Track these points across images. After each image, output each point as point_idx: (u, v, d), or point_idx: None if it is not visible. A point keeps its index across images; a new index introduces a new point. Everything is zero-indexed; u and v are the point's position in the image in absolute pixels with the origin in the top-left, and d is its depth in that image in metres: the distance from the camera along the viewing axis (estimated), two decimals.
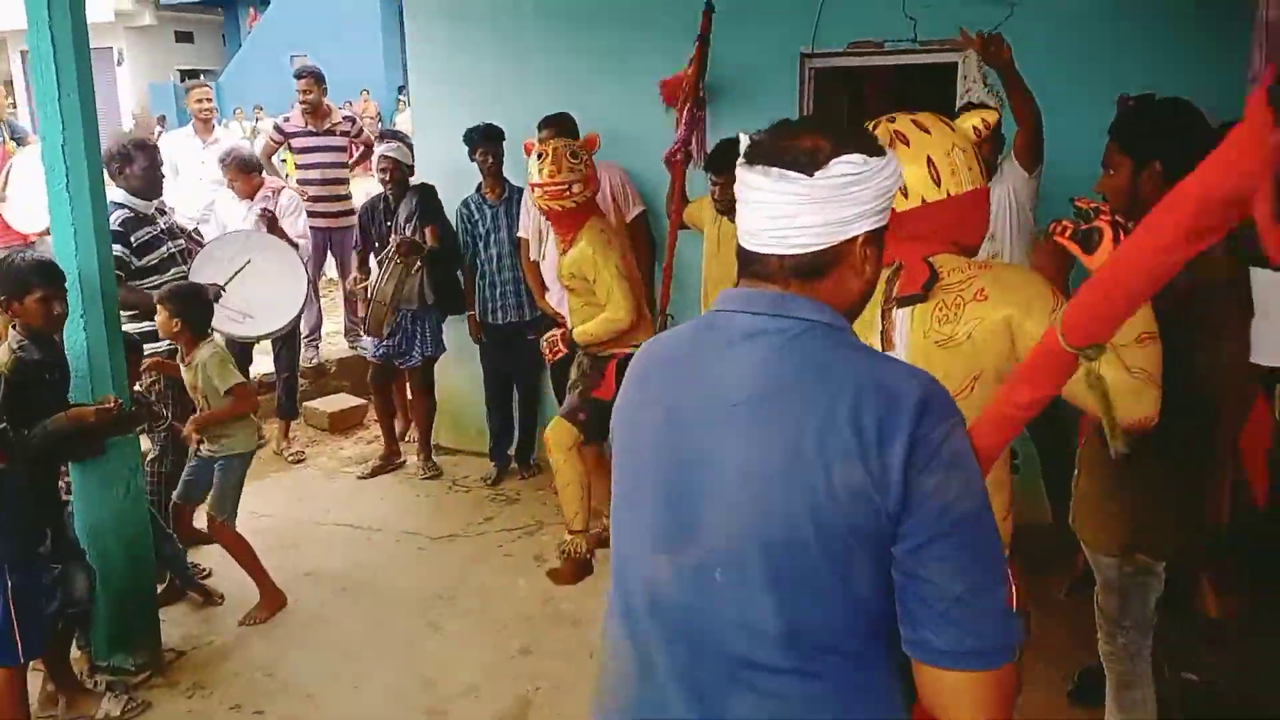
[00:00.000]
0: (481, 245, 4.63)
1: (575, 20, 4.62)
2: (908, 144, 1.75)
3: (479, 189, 4.62)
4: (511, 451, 4.98)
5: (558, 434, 3.78)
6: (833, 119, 1.53)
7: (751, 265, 1.23)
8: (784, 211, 1.17)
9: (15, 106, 21.74)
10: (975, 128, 1.86)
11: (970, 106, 3.43)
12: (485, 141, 4.46)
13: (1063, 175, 3.34)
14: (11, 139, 5.60)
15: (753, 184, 1.19)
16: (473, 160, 4.51)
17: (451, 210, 4.74)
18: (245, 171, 5.00)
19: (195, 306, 3.53)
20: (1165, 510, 2.20)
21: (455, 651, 3.39)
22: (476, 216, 4.62)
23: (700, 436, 1.17)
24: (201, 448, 3.60)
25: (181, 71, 24.42)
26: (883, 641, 1.13)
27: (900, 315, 1.72)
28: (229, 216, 5.02)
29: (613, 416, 1.35)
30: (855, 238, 1.19)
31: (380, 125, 15.29)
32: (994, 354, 1.64)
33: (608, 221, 3.89)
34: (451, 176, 4.79)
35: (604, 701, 1.30)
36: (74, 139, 3.07)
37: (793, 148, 1.17)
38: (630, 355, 2.32)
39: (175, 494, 3.78)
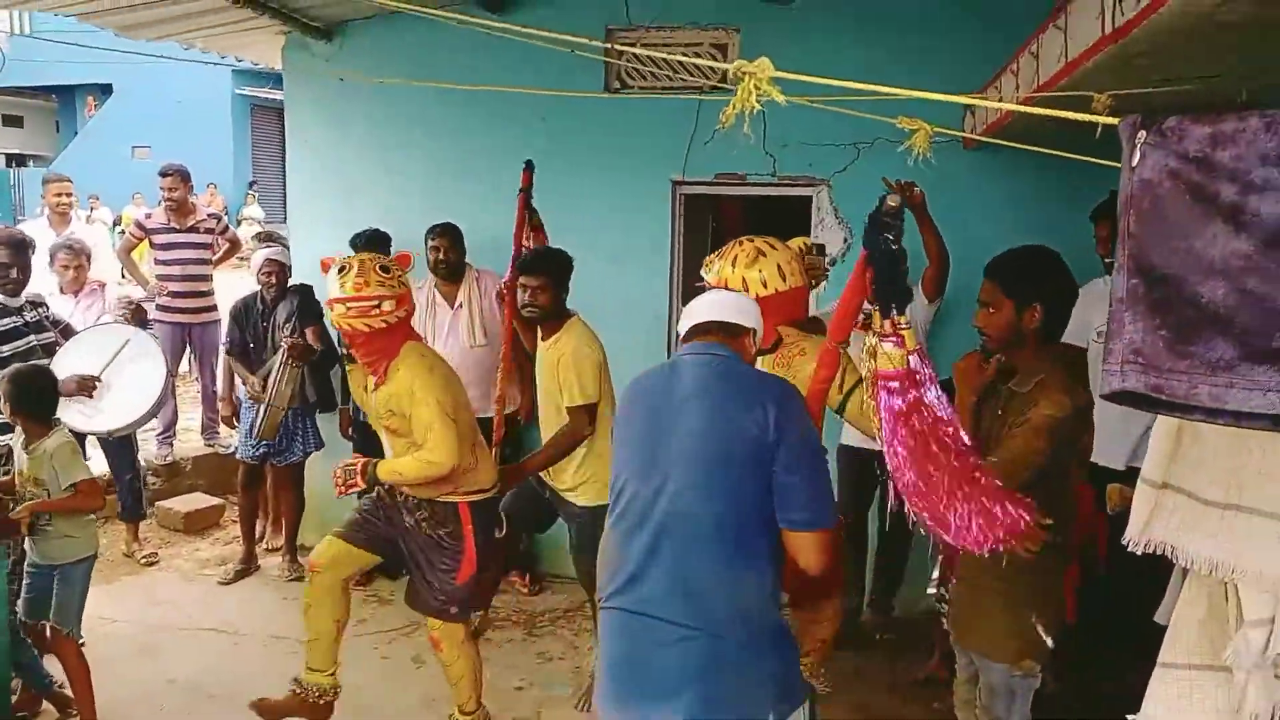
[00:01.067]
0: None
1: (448, 128, 4.87)
2: (766, 255, 2.65)
3: None
4: None
5: (449, 633, 3.27)
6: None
7: (698, 331, 2.24)
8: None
9: None
10: (800, 246, 2.96)
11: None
12: (370, 246, 4.56)
13: None
14: None
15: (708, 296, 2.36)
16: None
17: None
18: (65, 266, 4.86)
19: (33, 391, 3.29)
20: (1047, 616, 2.47)
21: None
22: None
23: (668, 415, 2.12)
24: (36, 554, 3.32)
25: (8, 155, 23.19)
26: (765, 522, 2.02)
27: (759, 361, 2.64)
28: (59, 312, 4.67)
29: (617, 423, 2.28)
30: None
31: (228, 219, 14.95)
32: (802, 383, 2.52)
33: (429, 348, 3.39)
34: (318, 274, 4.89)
35: (603, 581, 2.15)
36: None
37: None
38: (486, 500, 2.98)
39: (20, 610, 3.42)
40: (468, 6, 4.45)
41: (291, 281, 4.91)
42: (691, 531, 2.00)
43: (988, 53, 3.46)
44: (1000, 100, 3.11)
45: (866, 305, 2.24)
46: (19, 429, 3.33)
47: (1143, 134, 1.14)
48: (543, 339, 3.65)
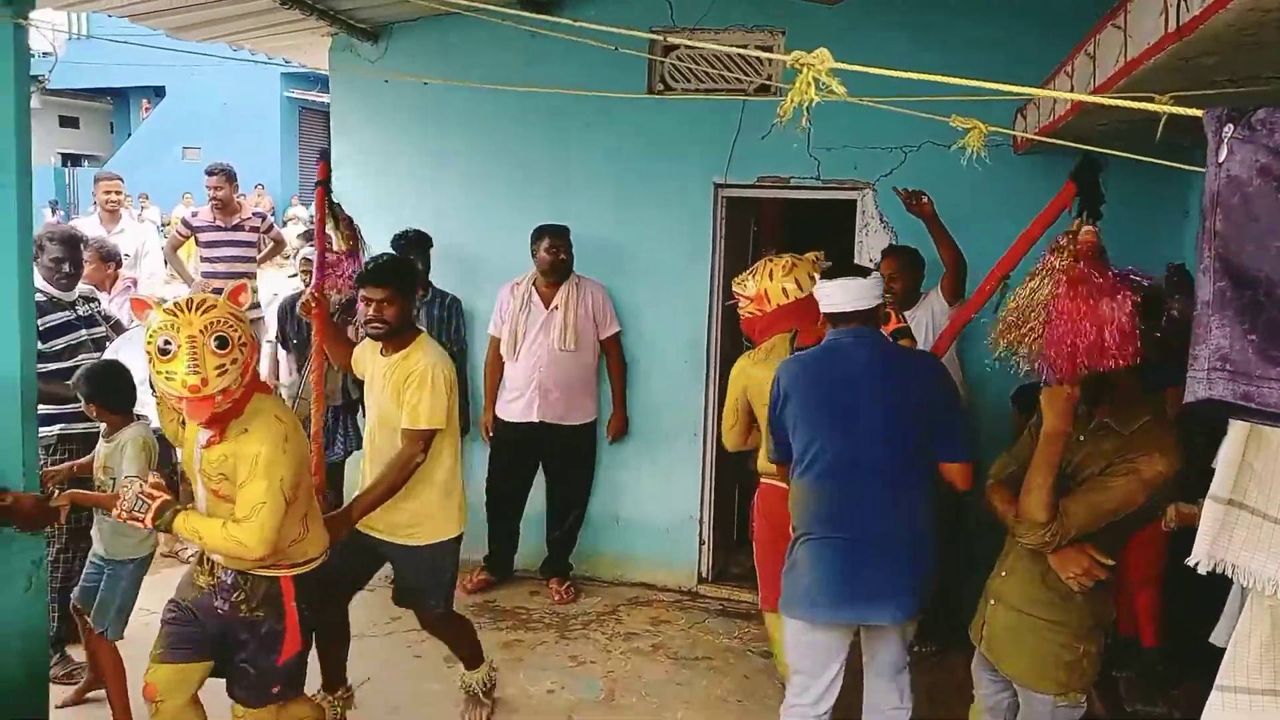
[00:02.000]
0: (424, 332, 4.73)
1: (492, 129, 4.87)
2: (797, 266, 3.26)
3: None
4: None
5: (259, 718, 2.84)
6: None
7: (843, 319, 2.77)
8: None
9: None
10: (814, 258, 3.34)
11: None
12: (412, 247, 4.60)
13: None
14: None
15: (828, 285, 2.81)
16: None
17: None
18: (103, 261, 4.92)
19: (106, 385, 3.36)
20: (1093, 647, 2.40)
21: None
22: None
23: (851, 386, 2.72)
24: (99, 545, 3.39)
25: (64, 155, 23.76)
26: (926, 464, 2.71)
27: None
28: None
29: (788, 399, 2.78)
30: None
31: (274, 219, 15.22)
32: None
33: (282, 403, 2.98)
34: None
35: (803, 520, 2.77)
36: (6, 229, 3.06)
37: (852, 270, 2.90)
38: (311, 571, 2.83)
39: (74, 596, 3.51)
40: (513, 7, 4.46)
41: None
42: (879, 476, 2.65)
43: (1041, 56, 3.39)
44: (1055, 102, 3.03)
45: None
46: (102, 421, 3.39)
47: (1230, 127, 1.07)
48: (384, 352, 3.26)
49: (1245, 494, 1.54)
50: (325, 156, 4.01)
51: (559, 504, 4.79)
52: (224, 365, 2.44)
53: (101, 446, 3.41)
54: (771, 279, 3.26)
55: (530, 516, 4.82)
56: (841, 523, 2.67)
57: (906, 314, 3.84)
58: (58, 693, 3.48)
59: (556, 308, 4.55)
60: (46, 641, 3.28)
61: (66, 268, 3.96)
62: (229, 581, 2.70)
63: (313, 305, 3.59)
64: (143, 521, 2.59)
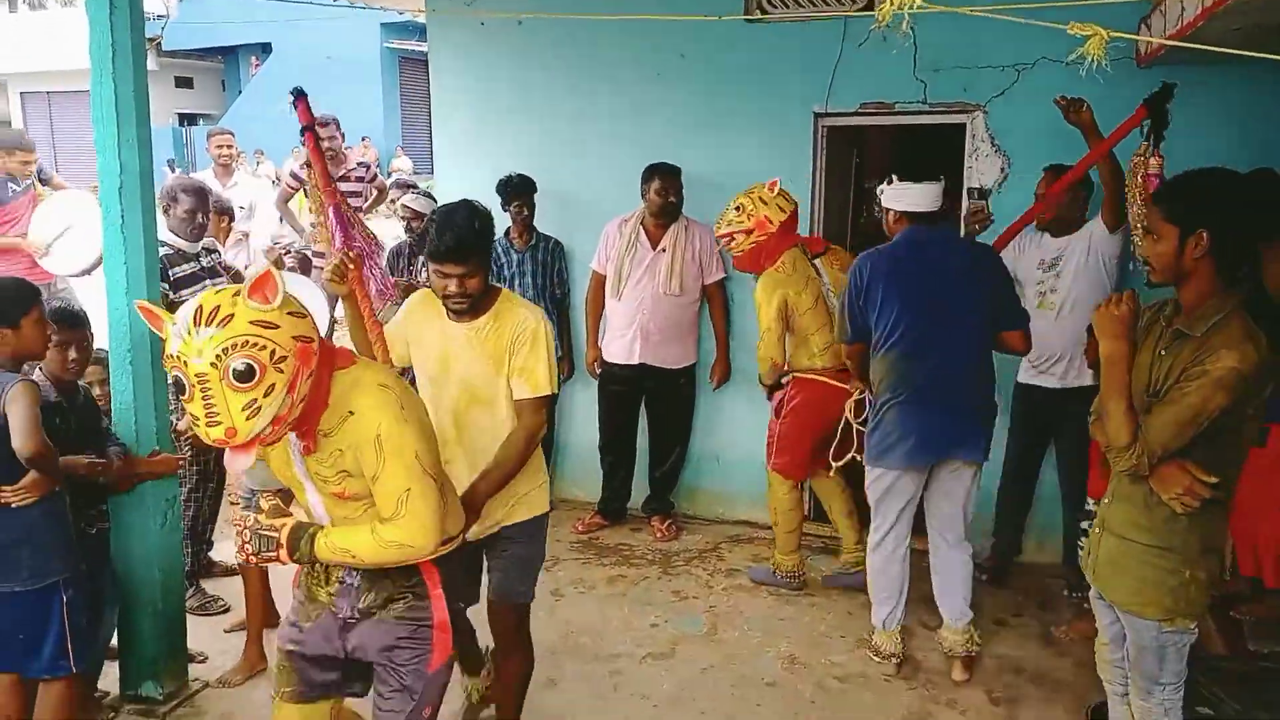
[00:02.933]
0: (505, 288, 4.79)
1: (589, 66, 4.80)
2: (772, 191, 3.90)
3: (506, 233, 4.79)
4: None
5: None
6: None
7: (917, 217, 3.35)
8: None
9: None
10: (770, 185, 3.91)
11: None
12: (518, 193, 4.64)
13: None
14: (38, 180, 5.71)
15: (913, 187, 3.34)
16: (505, 210, 4.67)
17: None
18: (218, 215, 5.00)
19: None
20: (1201, 573, 2.28)
21: None
22: (503, 260, 4.79)
23: (932, 273, 3.31)
24: (245, 485, 3.43)
25: (180, 115, 24.74)
26: (990, 334, 3.36)
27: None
28: None
29: (872, 287, 3.34)
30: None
31: (378, 170, 15.58)
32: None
33: (388, 370, 2.37)
34: None
35: (891, 385, 3.35)
36: (130, 185, 3.20)
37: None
38: (451, 552, 2.37)
39: None
40: None
41: None
42: (959, 347, 3.29)
43: None
44: (1183, 5, 2.81)
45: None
46: None
47: None
48: (457, 319, 2.70)
49: None
50: (300, 95, 3.64)
51: (661, 443, 4.81)
52: (254, 402, 1.87)
53: None
54: (765, 204, 3.85)
55: (635, 455, 4.87)
56: (929, 386, 3.28)
57: (1066, 238, 3.72)
58: (195, 623, 3.71)
59: (664, 250, 4.51)
60: (182, 574, 3.50)
61: (199, 219, 4.12)
62: (355, 584, 2.21)
63: (348, 269, 2.75)
64: (279, 560, 2.12)
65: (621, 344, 4.63)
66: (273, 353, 1.89)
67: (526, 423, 2.67)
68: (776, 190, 3.89)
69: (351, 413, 2.06)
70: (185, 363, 1.87)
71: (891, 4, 1.14)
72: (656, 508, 4.85)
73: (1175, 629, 2.30)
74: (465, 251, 2.56)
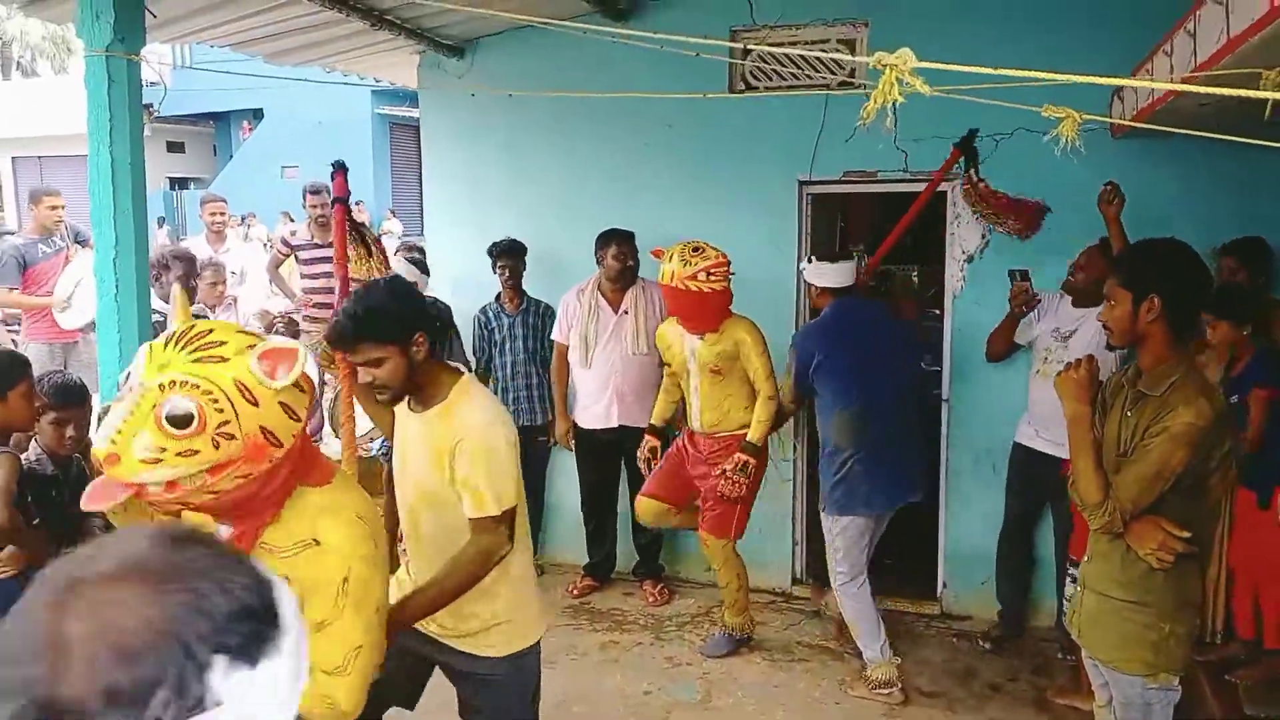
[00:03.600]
0: (496, 352, 4.84)
1: (578, 137, 4.93)
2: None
3: (497, 298, 4.84)
4: None
5: None
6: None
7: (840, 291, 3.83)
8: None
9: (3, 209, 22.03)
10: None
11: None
12: (506, 256, 4.71)
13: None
14: (75, 241, 5.80)
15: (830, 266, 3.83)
16: (494, 272, 4.74)
17: (467, 318, 4.96)
18: (211, 283, 5.10)
19: None
20: (1180, 627, 2.32)
21: None
22: (494, 325, 4.84)
23: (871, 340, 3.79)
24: None
25: (171, 179, 24.95)
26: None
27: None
28: None
29: (824, 358, 3.77)
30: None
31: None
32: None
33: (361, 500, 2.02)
34: (456, 285, 5.15)
35: (848, 443, 3.72)
36: (125, 253, 3.25)
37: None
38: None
39: None
40: (593, 16, 4.51)
41: (426, 293, 5.07)
42: (902, 401, 3.81)
43: (1137, 35, 3.26)
44: (1150, 91, 2.91)
45: None
46: None
47: None
48: (413, 407, 2.34)
49: None
50: (341, 169, 3.67)
51: None
52: (162, 450, 1.54)
53: None
54: (708, 248, 3.79)
55: (619, 517, 4.87)
56: (884, 440, 3.69)
57: (1084, 310, 3.78)
58: None
59: (626, 312, 4.56)
60: None
61: (189, 285, 4.17)
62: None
63: (333, 359, 2.73)
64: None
65: (598, 410, 4.63)
66: (224, 424, 1.56)
67: (477, 542, 2.21)
68: (691, 248, 3.82)
69: (317, 542, 1.74)
70: (140, 364, 1.60)
71: (875, 102, 1.20)
72: (646, 571, 4.83)
73: (1159, 685, 2.33)
74: (351, 339, 2.15)
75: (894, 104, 1.25)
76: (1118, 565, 2.34)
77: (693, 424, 4.05)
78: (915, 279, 6.62)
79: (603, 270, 4.56)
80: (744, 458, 3.85)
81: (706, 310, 3.81)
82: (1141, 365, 2.34)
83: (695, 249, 3.76)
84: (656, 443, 4.26)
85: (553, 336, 4.77)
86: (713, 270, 3.73)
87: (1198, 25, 2.38)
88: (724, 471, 3.86)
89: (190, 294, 4.21)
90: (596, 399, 4.64)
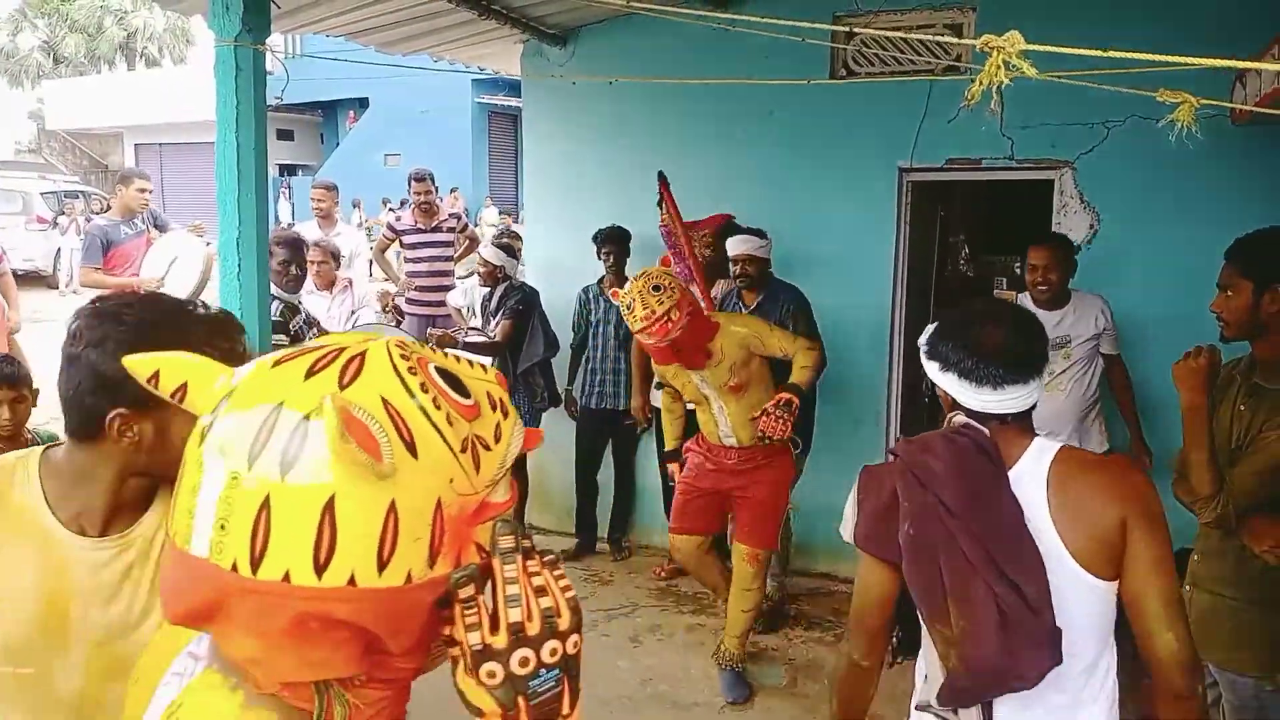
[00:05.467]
0: (590, 333, 4.95)
1: (679, 126, 4.96)
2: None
3: (600, 281, 4.95)
4: (603, 534, 5.16)
5: None
6: None
7: None
8: None
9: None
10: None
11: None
12: (611, 242, 4.80)
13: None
14: (155, 226, 6.09)
15: None
16: (599, 258, 4.85)
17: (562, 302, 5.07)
18: (334, 260, 5.17)
19: None
20: None
21: None
22: (591, 306, 4.96)
23: None
24: None
25: (281, 166, 25.92)
26: None
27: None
28: (313, 309, 4.83)
29: None
30: None
31: (466, 219, 16.05)
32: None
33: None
34: (552, 270, 5.26)
35: None
36: (248, 234, 3.41)
37: None
38: None
39: None
40: (695, 2, 4.53)
41: (525, 278, 5.20)
42: None
43: (1257, 16, 3.12)
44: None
45: None
46: None
47: None
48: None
49: None
50: (663, 180, 4.35)
51: None
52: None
53: None
54: (671, 278, 3.44)
55: None
56: None
57: (1059, 313, 3.66)
58: None
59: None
60: None
61: (294, 270, 4.34)
62: None
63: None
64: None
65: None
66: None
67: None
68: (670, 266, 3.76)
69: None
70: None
71: (980, 84, 1.19)
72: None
73: (1275, 687, 2.25)
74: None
75: (999, 87, 1.24)
76: (1231, 563, 2.28)
77: (724, 441, 3.67)
78: (1018, 270, 6.46)
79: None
80: (788, 395, 3.42)
81: (684, 352, 3.44)
82: (1259, 356, 2.26)
83: (655, 287, 3.32)
84: (677, 468, 3.93)
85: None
86: (670, 316, 3.30)
87: None
88: (765, 411, 3.42)
89: (299, 279, 4.37)
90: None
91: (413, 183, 6.47)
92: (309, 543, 0.71)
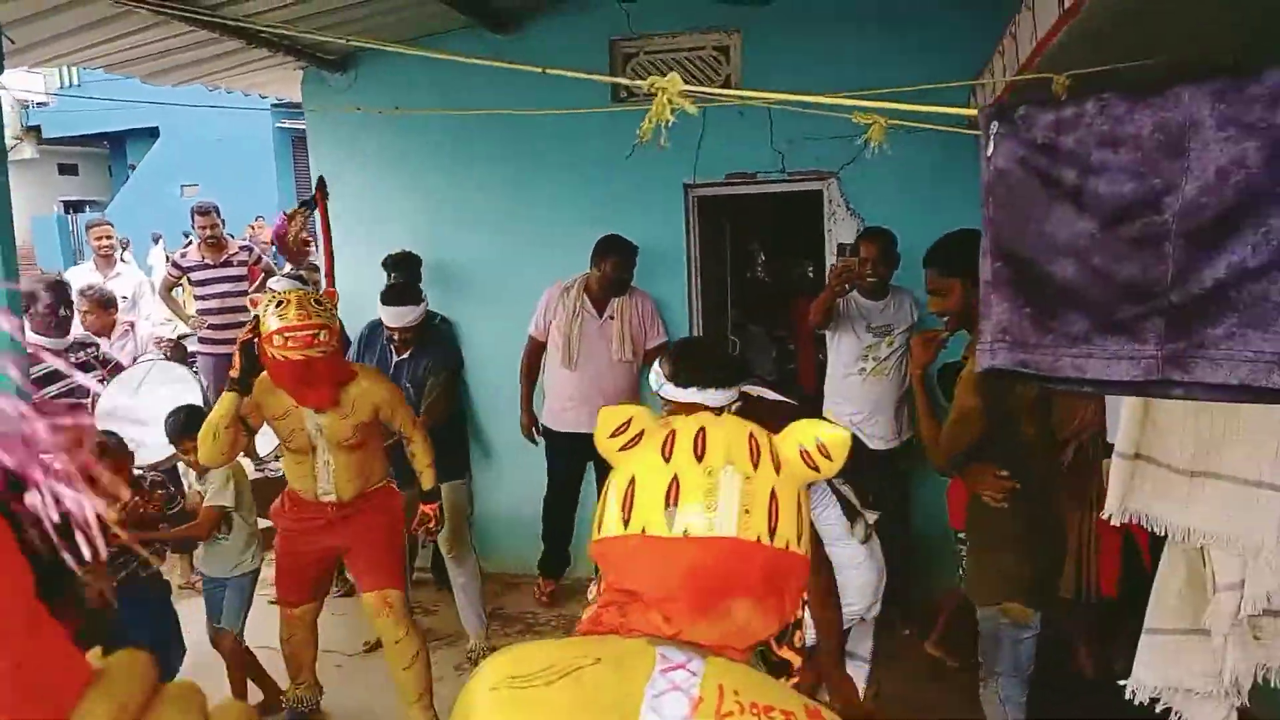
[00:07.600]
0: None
1: (466, 149, 4.98)
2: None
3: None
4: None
5: None
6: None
7: None
8: None
9: None
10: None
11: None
12: (400, 268, 4.74)
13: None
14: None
15: None
16: (389, 284, 4.73)
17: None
18: (103, 308, 4.99)
19: (188, 424, 3.58)
20: (1026, 565, 2.54)
21: None
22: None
23: None
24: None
25: (65, 202, 24.04)
26: None
27: None
28: None
29: None
30: None
31: (258, 250, 15.32)
32: None
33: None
34: (358, 299, 5.09)
35: None
36: None
37: None
38: None
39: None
40: (474, 29, 4.56)
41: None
42: None
43: (990, 33, 3.44)
44: (993, 84, 3.11)
45: None
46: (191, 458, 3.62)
47: (995, 124, 1.19)
48: None
49: (1150, 448, 1.63)
50: (321, 184, 4.49)
51: None
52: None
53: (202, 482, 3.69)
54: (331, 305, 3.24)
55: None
56: None
57: (881, 302, 3.96)
58: None
59: (612, 317, 4.51)
60: None
61: (61, 313, 4.08)
62: None
63: None
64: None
65: (577, 413, 4.47)
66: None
67: None
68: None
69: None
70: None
71: (649, 122, 1.31)
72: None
73: (1009, 619, 2.54)
74: None
75: (667, 123, 1.37)
76: (974, 512, 2.67)
77: (321, 497, 3.44)
78: (810, 273, 6.84)
79: (596, 276, 4.51)
80: (427, 510, 3.73)
81: (315, 382, 3.16)
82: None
83: (317, 301, 3.15)
84: None
85: (529, 331, 4.65)
86: (321, 334, 3.08)
87: (1017, 29, 2.57)
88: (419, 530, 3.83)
89: (66, 323, 4.12)
90: (578, 402, 4.49)
91: (196, 216, 6.20)
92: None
